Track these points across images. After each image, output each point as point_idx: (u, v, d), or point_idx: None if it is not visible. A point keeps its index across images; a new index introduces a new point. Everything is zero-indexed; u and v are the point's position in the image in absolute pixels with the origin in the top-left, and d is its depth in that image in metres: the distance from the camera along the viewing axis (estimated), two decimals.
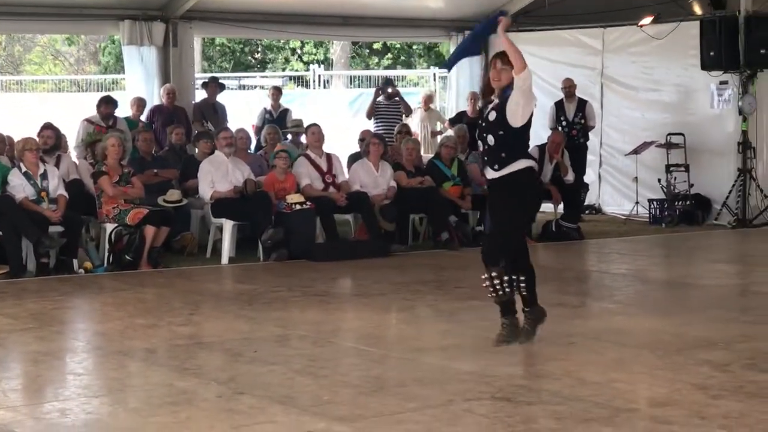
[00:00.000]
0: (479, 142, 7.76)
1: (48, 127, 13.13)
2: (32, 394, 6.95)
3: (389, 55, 33.24)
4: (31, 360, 7.84)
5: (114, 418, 6.24)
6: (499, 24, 7.73)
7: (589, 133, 17.20)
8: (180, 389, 6.71)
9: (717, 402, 6.30)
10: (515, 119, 7.54)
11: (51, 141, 12.96)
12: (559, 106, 17.13)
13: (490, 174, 7.68)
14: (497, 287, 7.60)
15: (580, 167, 16.80)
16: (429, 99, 18.75)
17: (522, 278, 7.67)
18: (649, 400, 6.52)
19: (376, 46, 32.65)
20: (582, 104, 17.08)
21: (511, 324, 7.70)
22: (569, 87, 17.07)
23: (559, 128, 16.68)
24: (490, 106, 7.66)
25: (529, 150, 15.58)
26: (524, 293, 7.73)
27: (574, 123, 16.99)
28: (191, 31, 17.11)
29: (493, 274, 7.60)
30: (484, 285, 7.67)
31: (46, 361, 7.72)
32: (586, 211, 17.56)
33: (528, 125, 7.68)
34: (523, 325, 7.75)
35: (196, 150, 14.07)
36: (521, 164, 7.61)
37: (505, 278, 7.61)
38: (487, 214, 8.19)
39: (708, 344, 7.93)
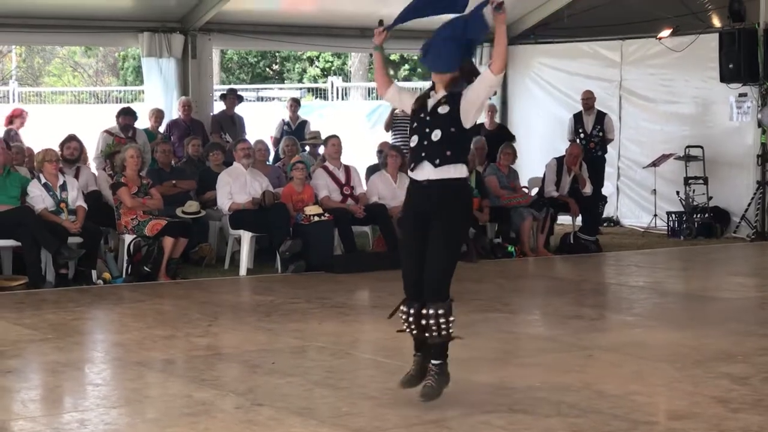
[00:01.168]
0: (414, 137, 6.75)
1: (73, 138, 13.26)
2: (51, 404, 6.97)
3: (406, 66, 33.26)
4: (50, 370, 7.85)
5: (132, 428, 6.25)
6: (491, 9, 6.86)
7: (608, 146, 17.16)
8: (198, 400, 6.71)
9: (736, 415, 6.28)
10: (467, 117, 6.68)
11: (77, 152, 13.09)
12: (577, 118, 17.11)
13: (426, 173, 6.66)
14: (444, 325, 6.62)
15: (598, 180, 16.78)
16: None
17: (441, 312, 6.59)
18: (668, 413, 6.50)
19: (392, 57, 32.65)
20: (601, 117, 17.05)
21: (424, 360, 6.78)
22: (588, 99, 17.04)
23: (577, 140, 16.66)
24: (435, 100, 6.74)
25: (547, 163, 15.74)
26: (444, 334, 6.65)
27: (592, 135, 16.96)
28: (210, 43, 17.17)
29: (441, 311, 6.60)
30: (411, 321, 6.71)
31: (65, 371, 7.73)
32: (605, 224, 17.52)
33: (472, 132, 6.90)
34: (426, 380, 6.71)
35: (209, 161, 14.12)
36: (462, 171, 6.69)
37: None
38: (407, 224, 6.81)
39: (727, 357, 7.91)
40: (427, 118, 6.75)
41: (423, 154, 6.68)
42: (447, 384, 6.69)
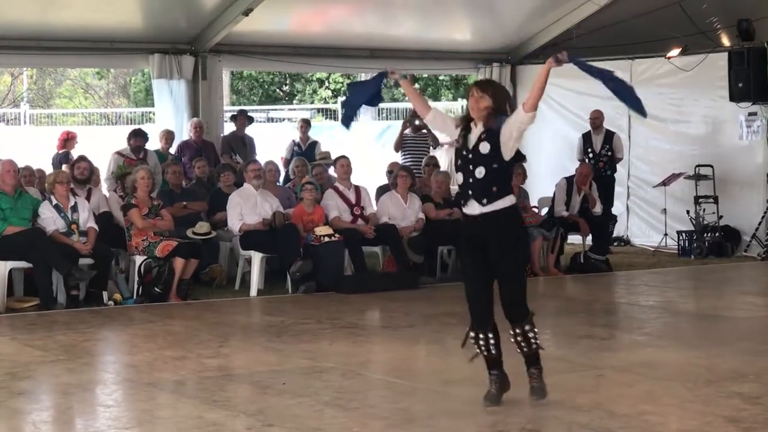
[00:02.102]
0: (459, 174, 7.14)
1: (83, 159, 13.35)
2: (62, 426, 6.98)
3: (416, 86, 33.32)
4: (61, 392, 7.87)
5: None
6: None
7: (617, 165, 17.16)
8: (209, 421, 6.72)
9: None
10: (506, 151, 7.03)
11: (87, 172, 13.15)
12: (586, 137, 17.12)
13: (475, 209, 7.05)
14: (533, 339, 7.12)
15: (607, 199, 16.79)
16: None
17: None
18: None
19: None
20: (610, 136, 17.04)
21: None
22: (596, 119, 17.03)
23: (586, 160, 16.67)
24: (476, 136, 7.06)
25: (557, 183, 15.75)
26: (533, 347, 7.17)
27: (601, 155, 16.96)
28: (220, 64, 17.22)
29: (527, 328, 7.09)
30: (482, 344, 7.14)
31: (76, 393, 7.75)
32: (615, 243, 17.50)
33: (513, 159, 7.19)
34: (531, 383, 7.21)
35: (219, 182, 14.16)
36: (510, 200, 7.08)
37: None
38: (467, 256, 7.24)
39: (739, 376, 7.89)
40: (470, 156, 7.09)
41: (470, 192, 7.06)
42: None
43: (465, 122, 7.19)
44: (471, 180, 7.05)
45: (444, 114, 7.64)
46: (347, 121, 7.91)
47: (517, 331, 7.07)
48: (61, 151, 15.68)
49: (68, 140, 15.89)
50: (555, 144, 18.76)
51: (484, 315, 7.09)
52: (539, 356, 7.19)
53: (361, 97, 7.96)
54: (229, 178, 14.06)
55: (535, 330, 7.12)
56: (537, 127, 18.84)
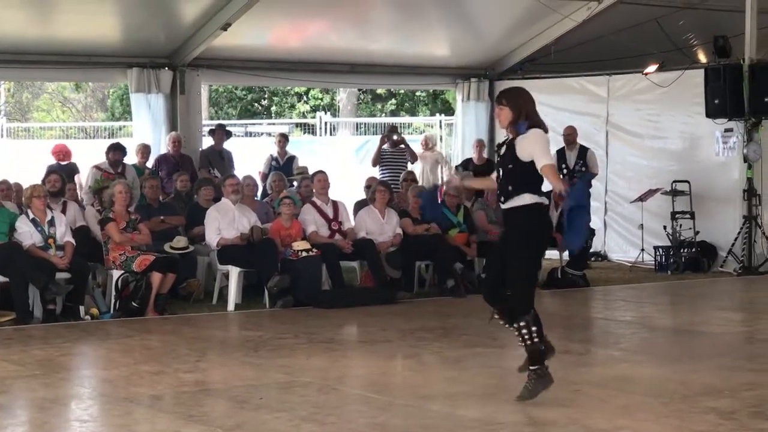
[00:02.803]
0: (495, 175, 7.91)
1: (53, 171, 13.33)
2: None
3: (393, 101, 33.39)
4: (37, 407, 7.84)
5: None
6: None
7: (593, 181, 17.20)
8: None
9: None
10: (524, 154, 7.51)
11: (58, 184, 13.12)
12: (560, 154, 17.14)
13: (501, 206, 7.73)
14: (527, 336, 7.52)
15: None
16: (428, 141, 18.90)
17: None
18: None
19: (379, 91, 32.80)
20: (583, 152, 17.08)
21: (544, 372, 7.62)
22: (570, 135, 17.05)
23: (561, 176, 16.71)
24: (504, 141, 7.75)
25: None
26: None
27: (575, 171, 17.02)
28: (198, 78, 17.22)
29: (523, 323, 7.51)
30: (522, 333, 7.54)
31: (52, 407, 7.72)
32: (592, 258, 17.54)
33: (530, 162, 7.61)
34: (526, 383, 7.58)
35: (198, 197, 14.14)
36: (527, 199, 7.53)
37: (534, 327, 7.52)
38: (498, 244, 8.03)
39: (714, 392, 7.93)
40: (497, 159, 7.83)
41: (498, 192, 7.74)
42: (548, 385, 7.51)
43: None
44: (499, 181, 7.71)
45: None
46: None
47: (515, 325, 7.52)
48: (63, 163, 15.62)
49: (63, 153, 15.87)
50: None
51: (490, 294, 7.68)
52: (539, 355, 7.50)
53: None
54: (210, 193, 14.04)
55: (533, 328, 7.46)
56: None
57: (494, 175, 7.93)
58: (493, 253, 7.85)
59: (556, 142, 17.91)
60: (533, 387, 7.48)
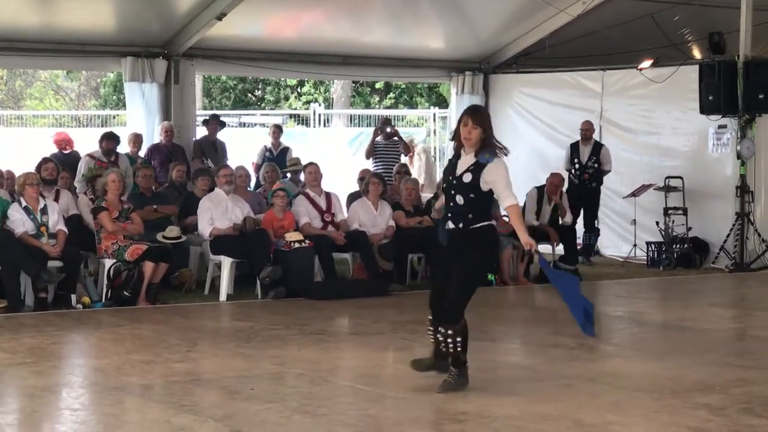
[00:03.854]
0: (443, 196, 7.82)
1: (48, 160, 13.30)
2: (29, 429, 6.95)
3: (391, 95, 33.37)
4: (27, 395, 7.84)
5: None
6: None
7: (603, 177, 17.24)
8: (177, 426, 6.71)
9: None
10: (485, 186, 7.65)
11: (55, 173, 13.11)
12: (574, 147, 17.17)
13: (450, 226, 7.72)
14: (452, 344, 7.68)
15: (591, 212, 16.96)
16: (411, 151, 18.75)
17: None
18: None
19: (378, 85, 32.78)
20: (597, 148, 17.10)
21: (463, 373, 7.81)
22: (587, 130, 17.07)
23: (572, 170, 16.77)
24: (464, 165, 7.66)
25: (528, 192, 15.78)
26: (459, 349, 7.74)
27: (587, 166, 17.01)
28: (193, 68, 17.21)
29: (450, 332, 7.67)
30: (439, 341, 7.72)
31: (42, 396, 7.71)
32: (595, 255, 17.55)
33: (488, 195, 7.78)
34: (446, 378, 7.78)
35: (195, 187, 14.13)
36: (485, 223, 7.75)
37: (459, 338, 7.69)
38: (441, 262, 8.16)
39: (704, 388, 7.94)
40: (454, 182, 7.68)
41: (449, 215, 7.71)
42: (465, 386, 7.69)
43: (457, 145, 7.77)
44: (452, 204, 7.69)
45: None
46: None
47: (442, 331, 7.68)
48: (66, 152, 15.60)
49: (66, 141, 15.87)
50: (526, 153, 18.80)
51: (435, 306, 7.80)
52: (460, 360, 7.71)
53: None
54: (206, 183, 14.01)
55: (457, 339, 7.65)
56: (509, 136, 19.09)
57: (442, 198, 7.89)
58: (441, 265, 7.91)
59: (552, 137, 18.01)
60: (456, 383, 7.69)
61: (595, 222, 17.34)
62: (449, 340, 7.64)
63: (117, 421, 7.04)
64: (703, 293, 14.47)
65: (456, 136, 7.78)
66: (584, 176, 16.95)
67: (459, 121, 7.75)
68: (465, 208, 7.63)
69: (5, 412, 7.32)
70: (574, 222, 16.60)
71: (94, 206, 12.60)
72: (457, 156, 7.77)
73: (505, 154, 7.74)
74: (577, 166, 16.99)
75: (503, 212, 15.60)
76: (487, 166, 7.59)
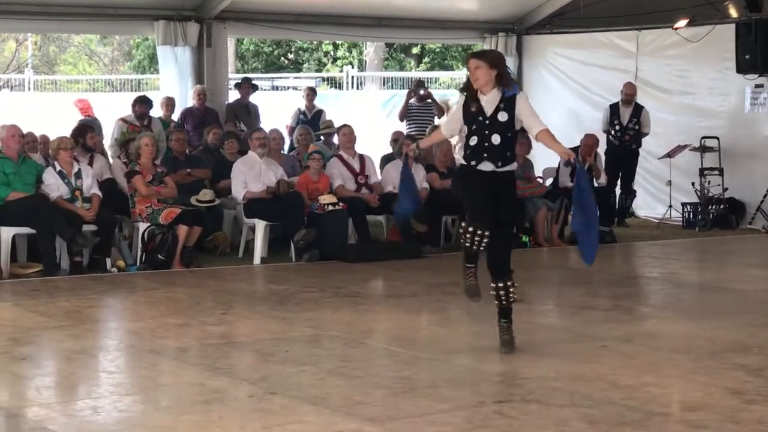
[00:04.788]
0: (474, 138, 7.61)
1: (90, 127, 13.40)
2: (65, 391, 6.99)
3: (426, 60, 33.26)
4: (64, 358, 7.88)
5: (146, 416, 6.27)
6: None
7: (642, 140, 17.11)
8: (212, 388, 6.72)
9: (751, 407, 6.26)
10: (517, 123, 7.67)
11: (97, 140, 13.24)
12: (614, 109, 16.99)
13: (488, 167, 7.61)
14: (512, 296, 7.77)
15: (629, 173, 16.87)
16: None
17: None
18: (682, 404, 6.49)
19: (414, 51, 32.67)
20: (638, 110, 16.95)
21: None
22: (631, 94, 16.91)
23: (612, 132, 16.67)
24: (493, 104, 7.57)
25: None
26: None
27: (628, 128, 16.87)
28: (225, 31, 17.15)
29: (509, 283, 7.74)
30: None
31: (79, 359, 7.75)
32: (630, 216, 17.47)
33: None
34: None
35: (224, 150, 14.14)
36: (516, 165, 7.86)
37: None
38: (480, 193, 7.70)
39: (742, 348, 7.89)
40: (487, 122, 7.58)
41: (485, 155, 7.59)
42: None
43: (471, 92, 7.65)
44: (487, 144, 7.57)
45: (448, 120, 8.16)
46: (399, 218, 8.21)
47: (500, 285, 7.68)
48: (90, 117, 15.68)
49: (88, 108, 15.95)
50: (560, 114, 18.70)
51: (487, 219, 7.54)
52: (512, 310, 7.76)
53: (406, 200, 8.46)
54: (233, 146, 14.05)
55: (516, 286, 7.75)
56: (542, 97, 19.03)
57: (473, 139, 7.61)
58: (483, 198, 7.63)
59: (585, 98, 17.89)
60: (513, 336, 7.74)
61: (632, 184, 17.21)
62: (511, 291, 7.70)
63: (152, 383, 7.07)
64: (740, 254, 14.39)
65: (466, 87, 7.76)
66: (625, 138, 16.81)
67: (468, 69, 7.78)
68: (503, 146, 7.59)
69: (42, 375, 7.37)
70: (614, 184, 16.54)
71: (127, 170, 12.62)
72: (476, 100, 7.63)
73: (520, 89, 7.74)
74: (617, 127, 16.85)
75: (538, 173, 15.59)
76: (516, 98, 7.58)
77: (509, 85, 7.60)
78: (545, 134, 7.63)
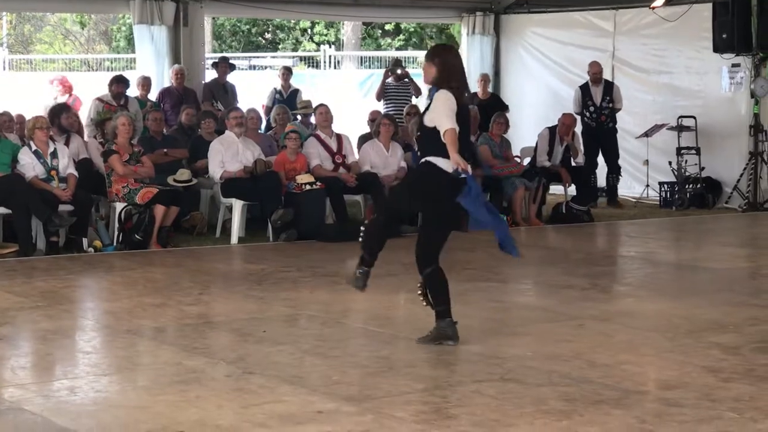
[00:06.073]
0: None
1: (68, 108, 13.30)
2: (41, 372, 6.96)
3: (401, 37, 33.17)
4: (40, 338, 7.85)
5: (123, 396, 6.25)
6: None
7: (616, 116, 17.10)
8: (189, 368, 6.71)
9: (727, 385, 6.29)
10: (428, 118, 7.28)
11: (74, 121, 13.11)
12: (584, 90, 16.93)
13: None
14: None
15: (613, 153, 16.82)
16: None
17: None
18: (658, 382, 6.51)
19: (388, 27, 32.58)
20: (609, 87, 16.92)
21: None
22: (598, 72, 16.85)
23: (587, 114, 16.64)
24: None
25: (540, 132, 15.72)
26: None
27: (602, 108, 16.84)
28: (202, 10, 17.06)
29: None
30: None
31: (55, 339, 7.73)
32: (601, 194, 17.43)
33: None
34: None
35: (201, 130, 14.09)
36: (434, 161, 7.26)
37: None
38: (398, 200, 8.02)
39: (718, 327, 7.93)
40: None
41: (416, 150, 7.58)
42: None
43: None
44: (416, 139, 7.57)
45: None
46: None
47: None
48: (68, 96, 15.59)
49: (67, 85, 15.81)
50: (538, 94, 18.74)
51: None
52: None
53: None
54: (210, 125, 14.00)
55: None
56: (520, 77, 19.06)
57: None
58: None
59: (563, 77, 17.87)
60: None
61: (618, 161, 17.11)
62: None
63: (129, 363, 7.05)
64: (716, 233, 14.44)
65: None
66: (601, 118, 16.80)
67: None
68: (420, 143, 7.41)
69: (19, 355, 7.34)
70: (594, 164, 16.57)
71: (104, 150, 12.57)
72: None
73: (453, 89, 7.23)
74: (591, 108, 16.84)
75: (516, 153, 15.60)
76: (435, 94, 7.26)
77: (440, 83, 7.25)
78: (449, 134, 7.08)
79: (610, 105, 16.88)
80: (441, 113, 7.14)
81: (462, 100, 7.31)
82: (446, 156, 7.12)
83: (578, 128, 16.39)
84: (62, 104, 13.52)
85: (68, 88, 15.60)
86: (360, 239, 7.77)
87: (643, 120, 17.48)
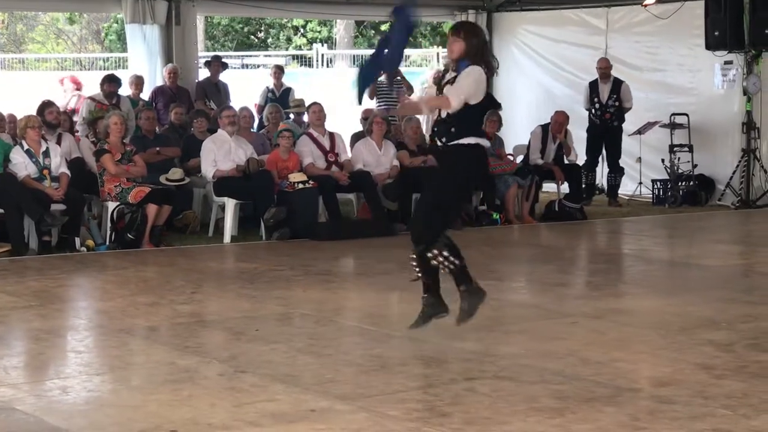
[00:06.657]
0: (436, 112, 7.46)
1: (51, 103, 13.21)
2: (34, 371, 6.95)
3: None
4: (32, 338, 7.83)
5: (115, 395, 6.24)
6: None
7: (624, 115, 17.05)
8: (181, 367, 6.70)
9: (720, 382, 6.29)
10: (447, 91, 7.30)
11: (60, 116, 13.03)
12: (593, 86, 16.92)
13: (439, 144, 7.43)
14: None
15: (615, 152, 16.77)
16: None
17: None
18: (651, 379, 6.51)
19: (384, 27, 32.55)
20: (617, 85, 16.88)
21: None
22: (606, 68, 16.82)
23: (593, 110, 16.63)
24: (448, 79, 7.39)
25: (532, 130, 15.73)
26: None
27: (608, 105, 16.79)
28: (194, 9, 17.01)
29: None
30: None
31: (47, 338, 7.71)
32: (597, 192, 17.43)
33: (473, 108, 7.33)
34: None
35: (193, 128, 14.08)
36: (470, 140, 7.35)
37: None
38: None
39: (711, 324, 7.93)
40: (439, 94, 7.36)
41: (435, 129, 7.39)
42: (483, 299, 7.44)
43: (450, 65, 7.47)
44: (437, 118, 7.39)
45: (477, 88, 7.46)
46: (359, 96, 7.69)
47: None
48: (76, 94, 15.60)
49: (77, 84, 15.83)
50: (531, 91, 18.72)
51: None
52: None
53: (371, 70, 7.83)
54: (203, 124, 13.98)
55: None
56: (513, 75, 19.03)
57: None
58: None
59: (557, 75, 17.86)
60: (470, 304, 7.39)
61: (619, 161, 17.09)
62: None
63: (122, 363, 7.04)
64: (709, 230, 14.44)
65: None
66: (605, 116, 16.76)
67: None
68: (447, 122, 7.31)
69: (11, 355, 7.32)
70: (594, 161, 16.58)
71: (96, 149, 12.55)
72: (445, 71, 7.54)
73: (490, 69, 7.37)
74: (597, 105, 16.80)
75: (509, 150, 15.59)
76: (463, 70, 7.26)
77: (462, 63, 7.27)
78: (441, 98, 7.25)
79: (617, 103, 16.82)
80: (461, 88, 7.19)
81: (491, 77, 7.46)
82: (477, 135, 7.35)
83: (584, 126, 16.41)
84: (46, 100, 13.46)
85: (79, 86, 15.65)
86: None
87: (636, 117, 17.43)
